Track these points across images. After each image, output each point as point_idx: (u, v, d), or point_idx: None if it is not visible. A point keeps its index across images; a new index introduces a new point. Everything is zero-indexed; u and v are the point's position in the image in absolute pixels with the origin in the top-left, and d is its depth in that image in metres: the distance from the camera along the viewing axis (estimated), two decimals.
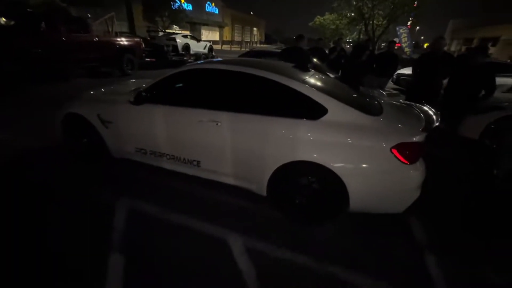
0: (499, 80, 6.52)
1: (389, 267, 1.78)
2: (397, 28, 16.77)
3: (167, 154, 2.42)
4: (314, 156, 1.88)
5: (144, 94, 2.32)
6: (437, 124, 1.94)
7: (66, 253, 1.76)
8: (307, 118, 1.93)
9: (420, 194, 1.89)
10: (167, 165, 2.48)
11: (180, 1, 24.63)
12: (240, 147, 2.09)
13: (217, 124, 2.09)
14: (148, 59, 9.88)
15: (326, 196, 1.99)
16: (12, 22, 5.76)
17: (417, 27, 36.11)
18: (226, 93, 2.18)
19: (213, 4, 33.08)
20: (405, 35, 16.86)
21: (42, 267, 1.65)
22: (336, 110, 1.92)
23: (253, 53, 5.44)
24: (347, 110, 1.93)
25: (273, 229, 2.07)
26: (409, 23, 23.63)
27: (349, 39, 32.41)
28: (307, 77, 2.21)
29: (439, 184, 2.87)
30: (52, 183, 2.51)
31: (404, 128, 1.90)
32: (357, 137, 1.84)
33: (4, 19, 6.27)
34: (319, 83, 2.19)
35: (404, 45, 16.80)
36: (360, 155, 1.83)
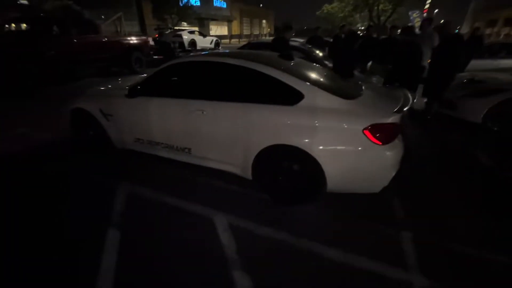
0: (506, 62, 6.22)
1: (363, 242, 1.88)
2: (410, 13, 16.13)
3: (162, 143, 2.61)
4: (292, 140, 1.99)
5: (138, 88, 2.51)
6: (411, 105, 1.98)
7: (71, 227, 2.01)
8: (284, 104, 2.04)
9: (403, 175, 1.95)
10: (163, 153, 2.68)
11: None
12: (224, 134, 2.24)
13: (202, 112, 2.24)
14: (156, 57, 10.20)
15: (306, 177, 2.10)
16: (27, 27, 6.18)
17: (436, 10, 34.21)
18: (210, 83, 2.33)
19: None
20: (419, 19, 16.15)
21: (47, 239, 1.90)
22: (312, 95, 2.01)
23: (251, 45, 5.54)
24: (323, 95, 2.02)
25: (257, 210, 2.21)
26: (426, 6, 22.43)
27: (361, 26, 31.35)
28: (287, 65, 2.30)
29: (431, 166, 2.90)
30: (62, 171, 2.78)
31: (377, 110, 1.96)
32: (332, 120, 1.93)
33: (24, 25, 6.72)
34: (298, 70, 2.27)
35: (418, 30, 16.10)
36: (335, 137, 1.92)
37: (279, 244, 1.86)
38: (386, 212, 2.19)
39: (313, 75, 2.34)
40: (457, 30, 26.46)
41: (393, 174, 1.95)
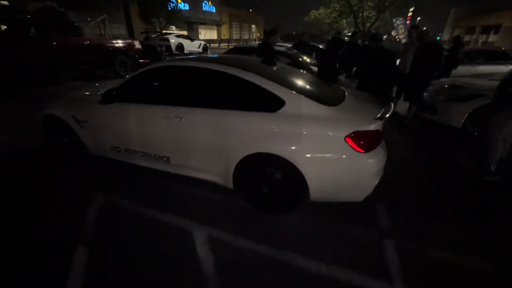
0: (491, 68, 6.46)
1: (345, 252, 1.83)
2: (394, 20, 16.56)
3: (139, 151, 2.49)
4: (272, 148, 1.92)
5: (113, 93, 2.39)
6: (392, 112, 1.96)
7: (36, 242, 1.85)
8: (265, 111, 1.97)
9: (388, 183, 1.92)
10: (140, 162, 2.55)
11: (177, 1, 24.72)
12: (203, 141, 2.15)
13: (181, 119, 2.14)
14: (142, 60, 9.96)
15: (288, 186, 2.03)
16: (3, 28, 5.89)
17: (418, 18, 35.52)
18: (188, 88, 2.24)
19: (209, 3, 32.99)
20: (402, 26, 16.62)
21: (10, 254, 1.74)
22: (293, 102, 1.95)
23: (237, 50, 5.49)
24: (305, 102, 1.97)
25: (237, 221, 2.12)
26: (409, 14, 23.21)
27: (348, 32, 32.10)
28: (269, 71, 2.25)
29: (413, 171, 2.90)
30: (34, 180, 2.60)
31: (358, 117, 1.93)
32: (313, 127, 1.88)
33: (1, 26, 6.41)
34: (279, 76, 2.22)
35: (401, 36, 16.58)
36: (316, 145, 1.87)
37: (258, 257, 1.78)
38: (369, 219, 2.15)
39: (295, 81, 2.29)
40: (438, 37, 27.51)
41: (376, 182, 1.92)
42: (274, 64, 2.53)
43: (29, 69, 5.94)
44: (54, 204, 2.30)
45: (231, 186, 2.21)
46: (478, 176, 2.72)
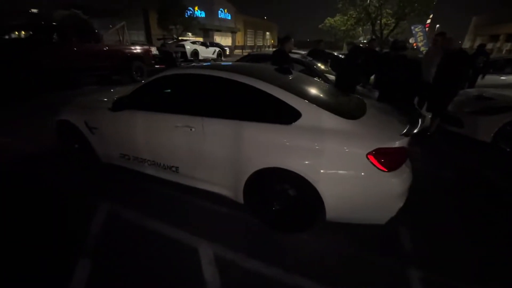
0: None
1: (363, 280, 1.64)
2: (412, 27, 16.13)
3: (148, 160, 2.42)
4: (286, 162, 1.79)
5: (124, 100, 2.35)
6: (420, 128, 1.78)
7: (38, 251, 1.79)
8: (280, 123, 1.85)
9: (409, 203, 1.74)
10: (149, 171, 2.49)
11: (193, 9, 25.36)
12: (213, 153, 2.04)
13: (191, 129, 2.06)
14: (158, 66, 10.19)
15: (302, 203, 1.89)
16: (28, 34, 6.17)
17: (437, 25, 34.57)
18: (199, 97, 2.15)
19: (225, 10, 33.68)
20: (421, 34, 16.16)
21: (13, 260, 1.69)
22: (310, 114, 1.82)
23: (252, 57, 5.43)
24: (323, 114, 1.82)
25: (246, 238, 1.99)
26: (428, 21, 22.61)
27: (363, 40, 31.66)
28: (284, 80, 2.13)
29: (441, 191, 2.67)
30: (43, 185, 2.59)
31: (382, 132, 1.77)
32: (331, 142, 1.73)
33: (23, 32, 6.73)
34: (295, 86, 2.10)
35: (420, 44, 16.11)
36: (335, 161, 1.72)
37: (267, 281, 1.63)
38: (390, 245, 1.95)
39: (312, 91, 2.16)
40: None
41: (401, 204, 1.74)
42: (290, 73, 2.42)
43: (50, 74, 6.15)
44: (60, 211, 2.26)
45: (241, 201, 2.09)
46: None
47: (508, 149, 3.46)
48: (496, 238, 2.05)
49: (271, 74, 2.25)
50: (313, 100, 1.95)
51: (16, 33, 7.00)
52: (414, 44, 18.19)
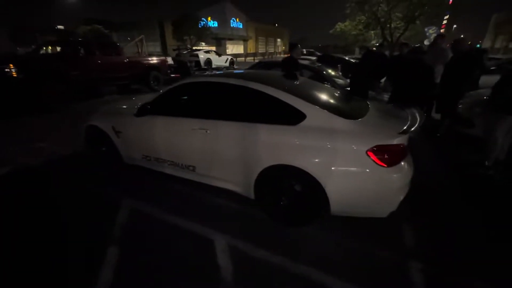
0: None
1: (366, 270, 1.76)
2: (426, 29, 15.90)
3: (168, 160, 2.66)
4: (293, 160, 1.96)
5: (147, 107, 2.62)
6: (419, 125, 1.89)
7: (71, 241, 2.05)
8: (286, 124, 2.03)
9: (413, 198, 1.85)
10: (168, 171, 2.73)
11: (207, 20, 26.31)
12: (226, 153, 2.25)
13: (206, 131, 2.28)
14: (173, 75, 10.69)
15: (308, 198, 2.03)
16: (58, 49, 6.77)
17: (454, 26, 33.59)
18: (213, 102, 2.38)
19: (237, 19, 34.64)
20: (435, 35, 15.88)
21: (48, 249, 1.95)
22: (314, 115, 1.99)
23: (262, 64, 5.66)
24: (325, 115, 1.99)
25: (256, 230, 2.16)
26: (444, 22, 22.12)
27: (376, 43, 31.33)
28: (290, 85, 2.32)
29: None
30: (71, 184, 2.90)
31: (381, 130, 1.90)
32: (334, 140, 1.89)
33: (57, 48, 7.37)
34: (301, 90, 2.27)
35: None
36: (337, 158, 1.87)
37: (275, 268, 1.78)
38: (393, 238, 2.05)
39: (317, 95, 2.33)
40: (478, 45, 25.68)
41: (401, 198, 1.85)
42: (296, 78, 2.60)
43: (77, 85, 6.69)
44: (89, 206, 2.53)
45: (252, 196, 2.27)
46: (476, 170, 2.99)
47: None
48: (496, 233, 2.09)
49: (279, 80, 2.44)
50: (317, 102, 2.12)
51: (46, 48, 7.66)
52: None
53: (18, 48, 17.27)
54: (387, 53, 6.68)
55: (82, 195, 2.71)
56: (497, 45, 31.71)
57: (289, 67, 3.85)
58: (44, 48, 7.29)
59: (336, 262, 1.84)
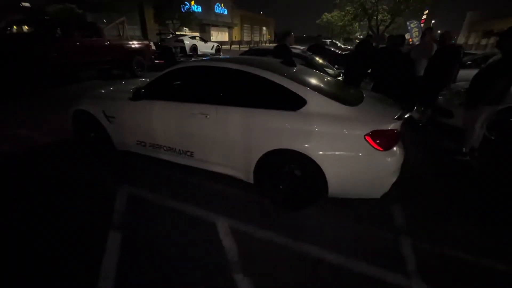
0: None
1: (363, 247, 1.90)
2: (408, 23, 16.44)
3: (164, 146, 2.63)
4: (294, 145, 2.02)
5: (142, 91, 2.54)
6: (410, 113, 2.02)
7: (71, 228, 2.00)
8: (287, 109, 2.07)
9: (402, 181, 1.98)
10: (165, 156, 2.69)
11: (190, 4, 25.20)
12: (227, 137, 2.26)
13: (206, 116, 2.27)
14: (157, 61, 10.27)
15: (307, 181, 2.12)
16: (30, 29, 6.22)
17: (433, 21, 34.86)
18: (213, 87, 2.36)
19: (222, 5, 33.51)
20: (416, 29, 16.47)
21: (47, 239, 1.89)
22: (314, 101, 2.05)
23: (252, 51, 5.61)
24: (325, 101, 2.05)
25: (258, 214, 2.23)
26: (423, 17, 22.95)
27: (360, 35, 31.88)
28: (289, 71, 2.35)
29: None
30: (61, 172, 2.78)
31: (378, 116, 2.00)
32: (334, 126, 1.96)
33: (25, 27, 6.77)
34: (300, 77, 2.31)
35: (415, 39, 16.42)
36: (337, 143, 1.95)
37: (279, 248, 1.87)
38: (386, 217, 2.21)
39: (316, 82, 2.38)
40: (453, 41, 26.95)
41: (394, 180, 1.99)
42: (294, 65, 2.63)
43: (55, 69, 6.24)
44: (82, 194, 2.46)
45: (251, 181, 2.31)
46: (453, 156, 3.31)
47: (492, 137, 3.75)
48: (475, 212, 2.32)
49: (278, 66, 2.46)
50: (317, 89, 2.18)
51: (15, 28, 7.01)
52: (410, 40, 18.51)
53: None
54: (374, 44, 6.84)
55: (75, 183, 2.61)
56: (470, 41, 33.43)
57: (281, 55, 3.86)
58: (15, 27, 6.67)
59: (334, 240, 1.96)
